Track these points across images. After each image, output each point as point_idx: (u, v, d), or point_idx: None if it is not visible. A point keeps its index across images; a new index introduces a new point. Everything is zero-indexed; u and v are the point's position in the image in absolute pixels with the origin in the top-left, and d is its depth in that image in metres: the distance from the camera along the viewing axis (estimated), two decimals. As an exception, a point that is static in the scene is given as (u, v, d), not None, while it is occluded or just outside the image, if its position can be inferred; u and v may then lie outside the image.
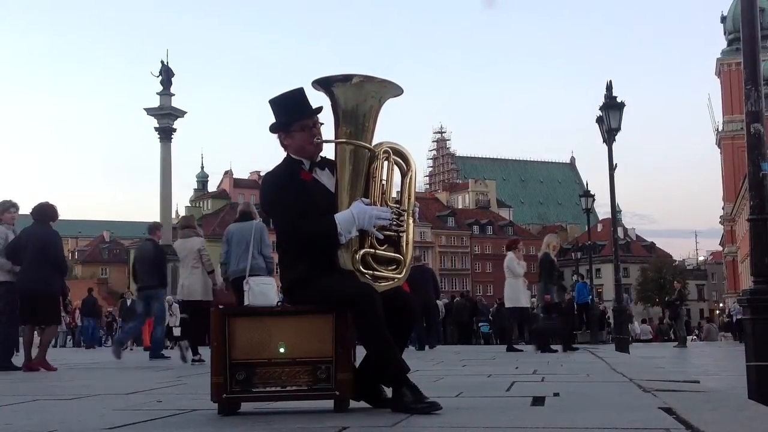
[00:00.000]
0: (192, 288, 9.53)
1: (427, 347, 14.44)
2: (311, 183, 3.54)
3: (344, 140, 3.48)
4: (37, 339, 8.86)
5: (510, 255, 12.57)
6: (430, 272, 16.45)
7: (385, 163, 3.51)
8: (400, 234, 3.50)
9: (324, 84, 3.48)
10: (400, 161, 3.56)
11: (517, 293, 12.29)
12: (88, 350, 21.59)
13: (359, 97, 3.48)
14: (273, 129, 3.61)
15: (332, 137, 3.53)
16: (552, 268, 12.27)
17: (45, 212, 8.71)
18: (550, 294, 12.20)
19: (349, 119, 3.49)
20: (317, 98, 3.56)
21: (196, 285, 9.53)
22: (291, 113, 3.54)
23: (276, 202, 3.51)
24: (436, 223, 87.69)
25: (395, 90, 3.53)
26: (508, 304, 12.73)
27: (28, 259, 8.40)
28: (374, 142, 3.53)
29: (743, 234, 49.61)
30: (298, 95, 3.55)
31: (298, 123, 3.54)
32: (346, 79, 3.46)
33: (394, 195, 3.55)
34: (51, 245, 8.68)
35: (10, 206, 8.89)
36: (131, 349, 20.32)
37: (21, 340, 9.77)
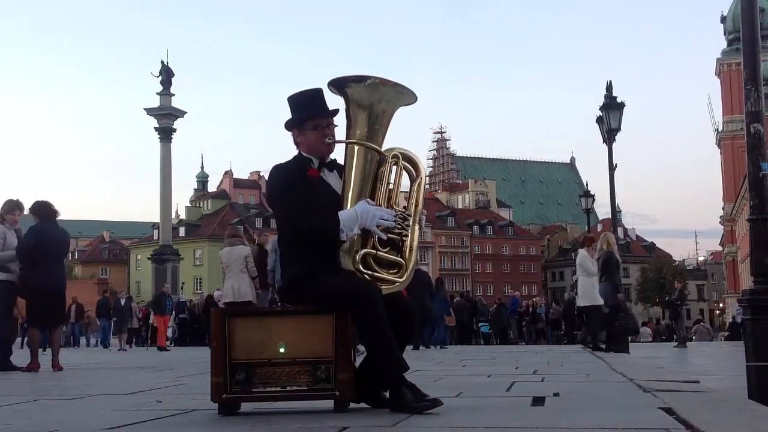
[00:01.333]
0: (242, 290, 10.50)
1: (421, 347, 14.96)
2: (318, 181, 3.55)
3: (355, 141, 3.50)
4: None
5: (583, 252, 12.20)
6: (426, 275, 16.70)
7: (394, 167, 3.53)
8: (403, 237, 3.50)
9: (338, 85, 3.50)
10: (410, 167, 3.58)
11: (593, 291, 11.89)
12: (96, 350, 21.59)
13: (373, 99, 3.49)
14: (288, 125, 3.63)
15: (343, 138, 3.54)
16: (618, 267, 12.11)
17: (51, 209, 8.71)
18: (622, 293, 12.03)
19: (361, 121, 3.50)
20: (333, 101, 3.59)
21: (246, 287, 10.53)
22: (307, 111, 3.57)
23: (280, 195, 3.52)
24: (436, 223, 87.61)
25: (409, 96, 3.54)
26: (582, 303, 12.24)
27: (50, 258, 8.38)
28: (385, 146, 3.54)
29: (743, 234, 49.61)
30: (316, 95, 3.58)
31: (313, 122, 3.56)
32: (361, 80, 3.48)
33: (400, 200, 3.57)
34: (66, 244, 8.79)
35: (16, 208, 8.87)
36: (124, 350, 20.27)
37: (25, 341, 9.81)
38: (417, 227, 3.55)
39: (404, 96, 3.53)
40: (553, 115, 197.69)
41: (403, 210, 3.52)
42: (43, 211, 8.64)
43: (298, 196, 3.45)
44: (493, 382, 5.56)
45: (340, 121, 3.60)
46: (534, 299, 31.26)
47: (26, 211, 9.03)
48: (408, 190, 3.63)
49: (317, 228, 3.41)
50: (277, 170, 3.58)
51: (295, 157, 3.62)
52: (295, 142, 3.63)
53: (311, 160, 3.58)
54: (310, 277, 3.43)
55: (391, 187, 3.52)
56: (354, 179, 3.50)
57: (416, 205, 3.56)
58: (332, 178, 3.59)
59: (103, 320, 24.63)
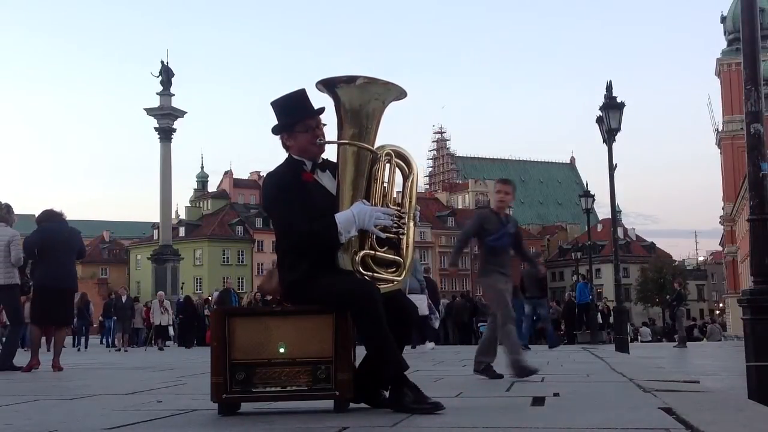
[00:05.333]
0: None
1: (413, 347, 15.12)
2: (312, 184, 3.55)
3: (347, 141, 3.49)
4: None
5: None
6: (433, 283, 17.33)
7: (387, 165, 3.53)
8: (400, 236, 3.51)
9: (328, 85, 3.49)
10: (402, 164, 3.58)
11: None
12: (96, 350, 21.55)
13: (363, 99, 3.49)
14: (276, 130, 3.61)
15: (335, 138, 3.54)
16: None
17: (54, 212, 8.74)
18: None
19: (352, 121, 3.50)
20: (319, 99, 3.58)
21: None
22: (294, 114, 3.55)
23: (276, 202, 3.51)
24: (436, 223, 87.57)
25: (399, 93, 3.54)
26: None
27: (57, 256, 8.39)
28: (377, 144, 3.54)
29: (743, 234, 49.60)
30: (300, 96, 3.56)
31: (302, 124, 3.55)
32: (350, 80, 3.47)
33: (395, 197, 3.57)
34: (75, 241, 8.79)
35: (11, 209, 8.92)
36: (126, 350, 20.16)
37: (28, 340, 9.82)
38: (411, 224, 3.56)
39: (393, 93, 3.53)
40: (553, 115, 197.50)
41: (398, 208, 3.53)
42: (47, 215, 8.69)
43: (295, 201, 3.45)
44: (493, 382, 5.56)
45: (327, 119, 3.59)
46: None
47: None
48: (401, 187, 3.63)
49: (315, 232, 3.41)
50: (272, 176, 3.58)
51: (286, 160, 3.61)
52: (285, 146, 3.61)
53: (303, 163, 3.57)
54: (309, 280, 3.43)
55: (385, 185, 3.52)
56: (348, 180, 3.50)
57: (410, 202, 3.56)
58: (326, 179, 3.59)
59: (107, 320, 24.67)
